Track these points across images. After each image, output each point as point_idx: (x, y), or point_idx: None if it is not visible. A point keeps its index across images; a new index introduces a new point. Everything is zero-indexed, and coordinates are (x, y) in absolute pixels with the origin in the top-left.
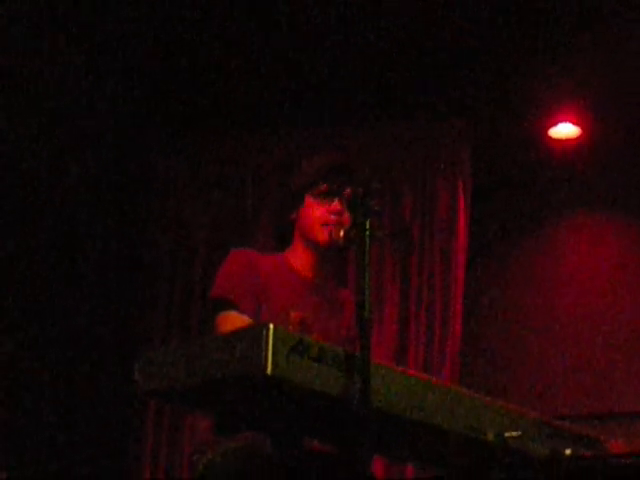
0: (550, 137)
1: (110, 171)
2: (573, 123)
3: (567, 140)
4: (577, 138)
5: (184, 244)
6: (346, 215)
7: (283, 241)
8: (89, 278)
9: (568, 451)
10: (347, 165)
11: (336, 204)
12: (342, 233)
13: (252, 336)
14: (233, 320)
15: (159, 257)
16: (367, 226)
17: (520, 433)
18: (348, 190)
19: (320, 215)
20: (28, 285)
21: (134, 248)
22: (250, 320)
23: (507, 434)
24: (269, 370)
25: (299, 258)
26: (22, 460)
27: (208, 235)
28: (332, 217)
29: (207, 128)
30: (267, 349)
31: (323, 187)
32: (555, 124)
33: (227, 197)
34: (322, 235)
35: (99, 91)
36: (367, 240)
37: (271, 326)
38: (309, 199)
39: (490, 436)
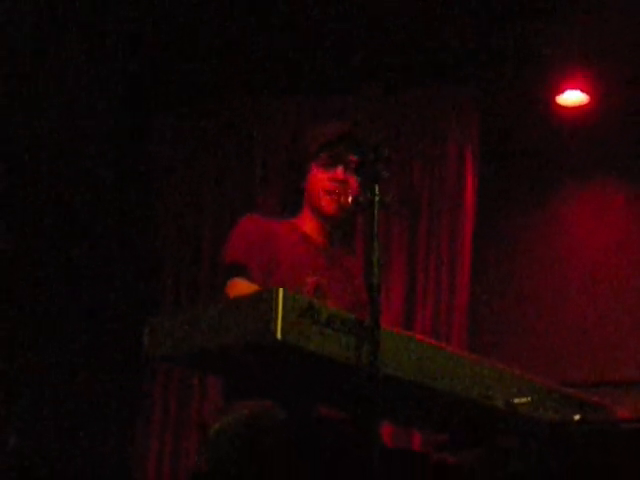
0: (558, 104)
1: (115, 137)
2: (581, 90)
3: (575, 107)
4: (585, 105)
5: (192, 211)
6: (351, 182)
7: (293, 208)
8: (95, 250)
9: (577, 417)
10: (351, 133)
11: (339, 172)
12: (350, 199)
13: (262, 301)
14: (242, 287)
15: (167, 224)
16: (376, 191)
17: (529, 399)
18: (352, 157)
19: (323, 183)
20: (33, 262)
21: (142, 217)
22: (259, 287)
23: (516, 400)
24: (279, 335)
25: (309, 225)
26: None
27: (215, 202)
28: (334, 185)
29: (215, 96)
30: (277, 314)
31: (324, 156)
32: (562, 91)
33: (235, 163)
34: (327, 204)
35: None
36: (376, 205)
37: (281, 291)
38: (314, 168)
39: (499, 402)
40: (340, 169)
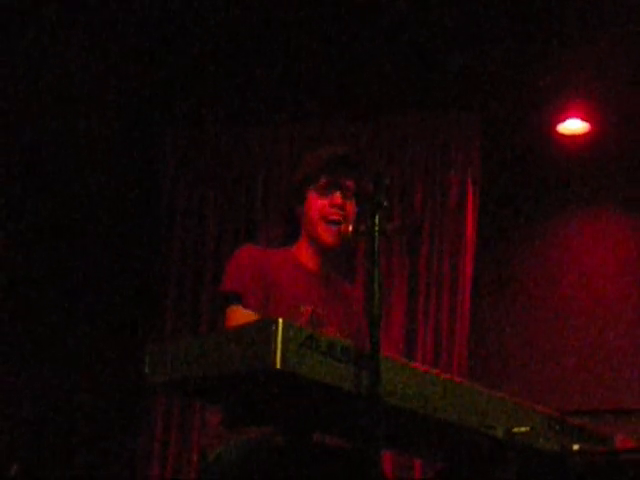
0: (558, 132)
1: (121, 158)
2: (582, 119)
3: (575, 136)
4: (585, 134)
5: (194, 233)
6: (348, 208)
7: (291, 235)
8: (97, 274)
9: (576, 446)
10: (347, 157)
11: (337, 197)
12: (351, 228)
13: (261, 330)
14: (240, 315)
15: (170, 248)
16: (376, 221)
17: (529, 428)
18: (349, 182)
19: (321, 209)
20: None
21: (145, 243)
22: (257, 315)
23: (516, 429)
24: (278, 364)
25: (305, 252)
26: (31, 456)
27: (217, 227)
28: (333, 210)
29: (219, 120)
30: (276, 343)
31: (323, 180)
32: (563, 120)
33: (237, 189)
34: (326, 234)
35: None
36: (376, 235)
37: (280, 320)
38: (311, 193)
39: (499, 431)
40: (338, 194)
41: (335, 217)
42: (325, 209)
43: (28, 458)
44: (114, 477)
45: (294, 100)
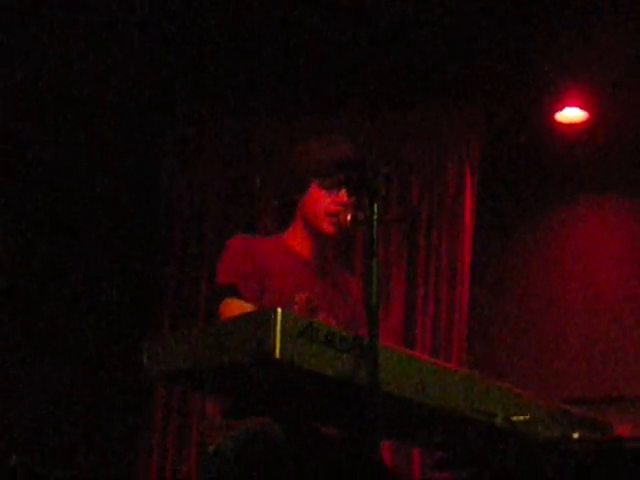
0: (557, 121)
1: (122, 157)
2: (580, 107)
3: (574, 124)
4: (584, 122)
5: (194, 233)
6: (350, 203)
7: (284, 221)
8: (98, 264)
9: (576, 435)
10: (358, 159)
11: (343, 195)
12: (349, 217)
13: (260, 320)
14: (236, 307)
15: (170, 248)
16: (375, 210)
17: (528, 417)
18: (355, 182)
19: (326, 205)
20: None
21: (145, 243)
22: (252, 307)
23: (515, 418)
24: (277, 354)
25: (299, 241)
26: (29, 451)
27: (217, 226)
28: (338, 207)
29: (219, 120)
30: (275, 333)
31: (333, 179)
32: (561, 108)
33: (237, 188)
34: (327, 226)
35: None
36: (375, 224)
37: (279, 310)
38: (315, 187)
39: (498, 420)
40: (344, 192)
41: (338, 213)
42: (331, 206)
43: (28, 457)
44: (114, 470)
45: (294, 98)
